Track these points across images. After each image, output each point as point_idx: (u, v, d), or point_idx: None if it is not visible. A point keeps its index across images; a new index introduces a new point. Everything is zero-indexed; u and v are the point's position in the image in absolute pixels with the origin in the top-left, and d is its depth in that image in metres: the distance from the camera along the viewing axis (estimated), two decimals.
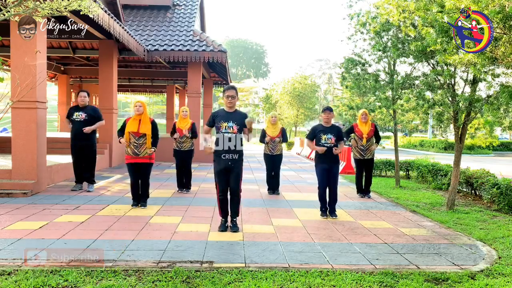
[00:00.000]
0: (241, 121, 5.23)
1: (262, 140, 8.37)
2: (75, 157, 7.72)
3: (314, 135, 6.36)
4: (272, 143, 8.16)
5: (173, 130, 7.93)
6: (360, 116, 8.04)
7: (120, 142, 6.38)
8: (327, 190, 6.32)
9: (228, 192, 5.36)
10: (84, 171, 7.77)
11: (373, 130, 8.00)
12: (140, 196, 6.51)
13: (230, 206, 5.36)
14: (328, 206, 6.36)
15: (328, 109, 6.33)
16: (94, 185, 7.97)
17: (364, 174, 8.18)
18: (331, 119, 6.37)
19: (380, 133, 8.91)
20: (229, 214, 5.38)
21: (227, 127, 5.17)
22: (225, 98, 5.25)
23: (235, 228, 5.28)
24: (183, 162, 7.95)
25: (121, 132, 6.36)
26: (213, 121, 5.30)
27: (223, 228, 5.30)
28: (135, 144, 6.22)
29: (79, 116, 7.52)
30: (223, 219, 5.38)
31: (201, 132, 7.28)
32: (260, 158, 16.69)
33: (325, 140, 6.18)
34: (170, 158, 12.54)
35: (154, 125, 6.42)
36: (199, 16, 17.23)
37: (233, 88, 5.30)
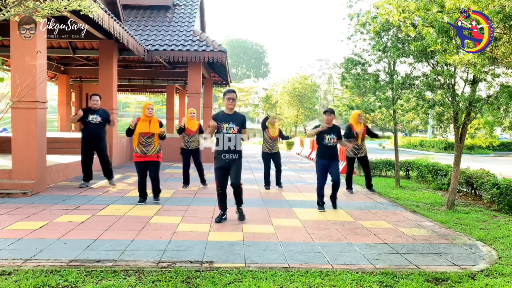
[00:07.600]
0: (240, 122, 5.66)
1: (263, 125, 8.87)
2: (87, 157, 8.13)
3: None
4: (272, 142, 8.80)
5: (182, 129, 8.46)
6: (357, 117, 8.52)
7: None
8: (331, 183, 6.76)
9: (230, 187, 5.73)
10: (104, 169, 8.37)
11: (365, 130, 8.62)
12: (153, 192, 6.91)
13: (234, 196, 5.80)
14: (330, 200, 6.88)
15: (329, 111, 6.76)
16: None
17: (363, 171, 8.82)
18: (332, 120, 6.76)
19: (380, 133, 9.46)
20: (235, 203, 5.85)
21: (228, 128, 5.56)
22: (226, 101, 5.65)
23: (241, 218, 5.79)
24: (194, 159, 8.58)
25: (131, 131, 6.64)
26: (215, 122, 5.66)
27: (219, 219, 5.66)
28: (144, 143, 6.61)
29: (95, 119, 8.05)
30: (221, 212, 5.76)
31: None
32: (260, 158, 16.65)
33: (328, 140, 6.67)
34: (171, 158, 12.64)
35: (161, 125, 6.85)
36: (199, 16, 17.23)
37: (234, 91, 5.72)
